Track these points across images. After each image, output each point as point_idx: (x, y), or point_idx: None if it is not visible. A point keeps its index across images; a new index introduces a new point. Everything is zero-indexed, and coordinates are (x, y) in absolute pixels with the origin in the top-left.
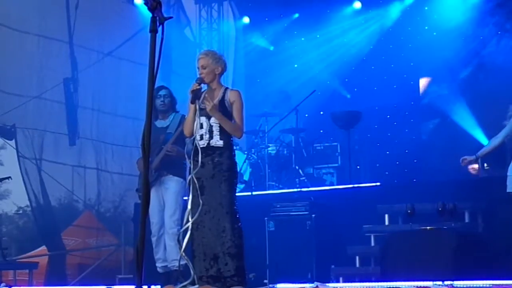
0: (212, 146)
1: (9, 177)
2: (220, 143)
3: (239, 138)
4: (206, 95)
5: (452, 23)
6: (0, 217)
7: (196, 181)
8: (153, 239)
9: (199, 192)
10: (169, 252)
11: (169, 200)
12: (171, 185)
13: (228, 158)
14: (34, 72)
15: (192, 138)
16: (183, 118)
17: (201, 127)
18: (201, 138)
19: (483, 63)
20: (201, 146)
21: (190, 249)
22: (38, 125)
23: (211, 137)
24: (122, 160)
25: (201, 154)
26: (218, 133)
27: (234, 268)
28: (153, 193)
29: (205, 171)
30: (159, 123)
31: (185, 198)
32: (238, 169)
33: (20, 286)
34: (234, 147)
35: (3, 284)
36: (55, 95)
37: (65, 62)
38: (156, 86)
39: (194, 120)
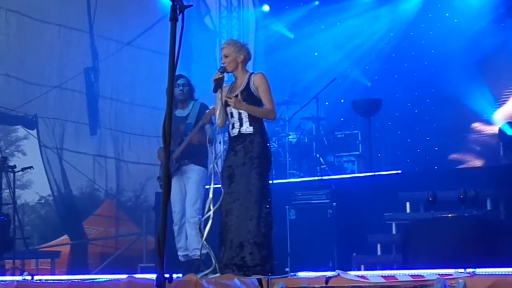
0: (243, 133)
1: (31, 166)
2: (250, 129)
3: (273, 120)
4: (228, 89)
5: (473, 10)
6: (22, 207)
7: (218, 170)
8: (175, 228)
9: (226, 180)
10: (190, 241)
11: (191, 189)
12: (193, 174)
13: (259, 145)
14: (54, 62)
15: (212, 126)
16: (202, 106)
17: (232, 116)
18: (233, 127)
19: (505, 48)
20: (233, 135)
21: (214, 237)
22: (59, 114)
23: (241, 125)
24: (140, 150)
25: (234, 142)
26: (247, 120)
27: (259, 257)
28: (174, 182)
29: (236, 159)
30: (179, 113)
31: (207, 186)
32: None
33: (42, 275)
34: None
35: (25, 273)
36: (75, 84)
37: (85, 52)
38: (176, 75)
39: (221, 110)
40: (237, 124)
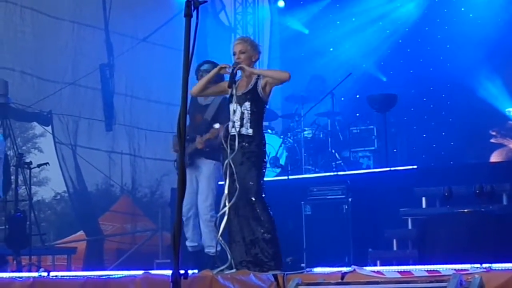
0: (242, 134)
1: (47, 163)
2: (250, 131)
3: (288, 79)
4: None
5: (490, 4)
6: (39, 203)
7: (233, 166)
8: (183, 219)
9: (229, 178)
10: (204, 239)
11: (202, 184)
12: (204, 168)
13: (257, 146)
14: (69, 58)
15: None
16: (223, 101)
17: (234, 113)
18: (233, 125)
19: None
20: (232, 133)
21: (227, 234)
22: (73, 111)
23: (241, 125)
24: (156, 146)
25: (232, 140)
26: (248, 121)
27: (271, 253)
28: (187, 174)
29: (235, 157)
30: (200, 100)
31: (221, 183)
32: (273, 154)
33: (59, 271)
34: (270, 131)
35: (42, 269)
36: (89, 81)
37: (99, 48)
38: (203, 61)
39: (206, 83)
40: (237, 124)
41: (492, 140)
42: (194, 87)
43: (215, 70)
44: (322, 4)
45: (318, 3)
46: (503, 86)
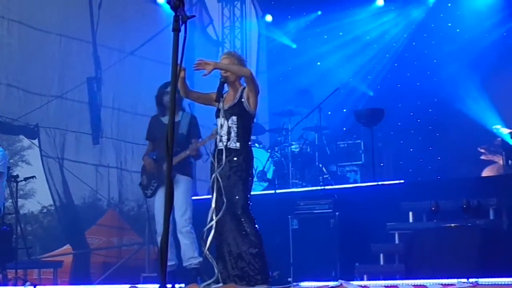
0: (230, 148)
1: (34, 176)
2: (237, 145)
3: (248, 75)
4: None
5: (475, 20)
6: (25, 216)
7: (220, 180)
8: (158, 239)
9: (216, 192)
10: (184, 251)
11: (179, 199)
12: (180, 184)
13: (244, 160)
14: (55, 72)
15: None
16: (193, 118)
17: (221, 127)
18: (220, 139)
19: (506, 59)
20: (219, 147)
21: (214, 248)
22: (60, 124)
23: (228, 139)
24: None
25: (219, 155)
26: (235, 135)
27: (258, 267)
28: (160, 192)
29: (222, 171)
30: (166, 120)
31: (208, 196)
32: (260, 168)
33: (45, 285)
34: (258, 145)
35: (28, 283)
36: (76, 94)
37: (86, 61)
38: (164, 82)
39: (182, 84)
40: (224, 138)
41: (482, 157)
42: (180, 90)
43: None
44: (310, 19)
45: (306, 18)
46: (489, 101)
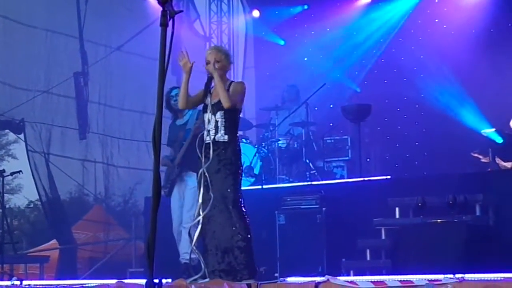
0: (217, 141)
1: (20, 171)
2: (225, 137)
3: (227, 107)
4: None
5: (463, 17)
6: (12, 211)
7: (208, 175)
8: (175, 234)
9: (210, 186)
10: (181, 246)
11: (188, 195)
12: (190, 181)
13: (233, 153)
14: (41, 67)
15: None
16: (200, 113)
17: (208, 122)
18: (208, 133)
19: (491, 57)
20: (207, 141)
21: (202, 243)
22: (46, 119)
23: (216, 132)
24: (129, 154)
25: (207, 149)
26: (223, 128)
27: (244, 262)
28: (175, 189)
29: (210, 166)
30: (178, 122)
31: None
32: (247, 164)
33: (31, 279)
34: (245, 141)
35: (14, 278)
36: (62, 89)
37: (72, 57)
38: (165, 84)
39: (185, 93)
40: (212, 132)
41: (482, 160)
42: (179, 102)
43: (184, 76)
44: (297, 14)
45: (293, 14)
46: (475, 98)
